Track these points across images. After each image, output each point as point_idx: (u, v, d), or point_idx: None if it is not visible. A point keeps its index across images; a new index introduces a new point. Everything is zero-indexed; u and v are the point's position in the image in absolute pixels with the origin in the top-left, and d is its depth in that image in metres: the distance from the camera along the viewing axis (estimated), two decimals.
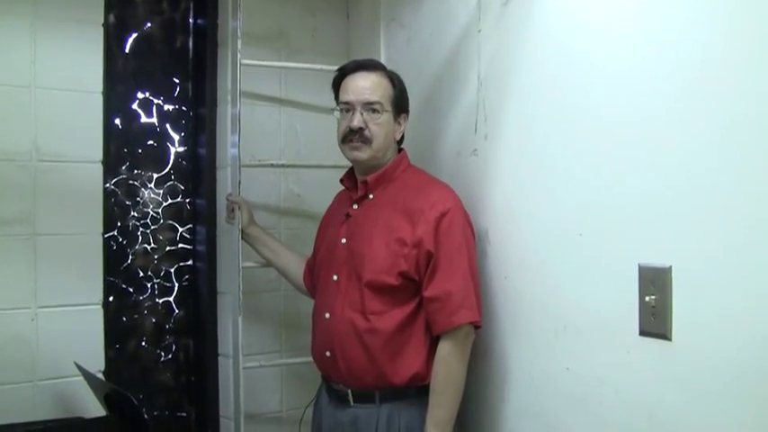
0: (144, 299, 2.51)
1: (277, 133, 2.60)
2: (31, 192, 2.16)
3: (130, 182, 2.49)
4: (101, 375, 2.23)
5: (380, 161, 2.00)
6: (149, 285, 2.52)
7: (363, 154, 1.96)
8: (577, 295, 1.68)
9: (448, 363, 1.85)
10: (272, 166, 2.54)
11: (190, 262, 2.59)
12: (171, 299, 2.56)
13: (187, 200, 2.59)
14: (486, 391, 1.97)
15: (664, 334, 1.45)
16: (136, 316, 2.50)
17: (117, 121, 2.46)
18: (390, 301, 1.88)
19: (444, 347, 1.86)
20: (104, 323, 2.28)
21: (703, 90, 1.38)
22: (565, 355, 1.72)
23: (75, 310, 2.22)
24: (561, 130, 1.73)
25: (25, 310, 2.15)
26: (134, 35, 2.49)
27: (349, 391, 1.93)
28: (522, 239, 1.86)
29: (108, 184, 2.41)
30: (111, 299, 2.41)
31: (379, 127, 1.95)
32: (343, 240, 2.00)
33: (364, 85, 1.96)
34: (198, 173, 2.58)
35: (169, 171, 2.56)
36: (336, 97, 2.05)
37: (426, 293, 1.86)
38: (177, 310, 2.57)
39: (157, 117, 2.54)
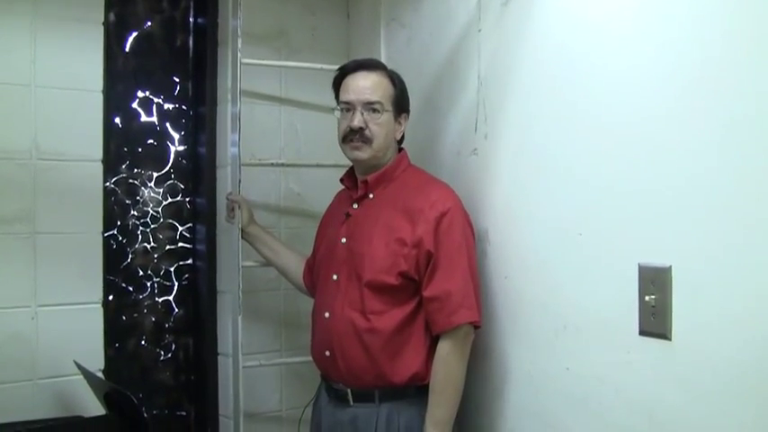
0: (144, 298, 2.51)
1: (277, 132, 2.60)
2: (31, 190, 2.16)
3: (130, 181, 2.49)
4: (100, 374, 2.23)
5: (381, 161, 2.00)
6: (149, 284, 2.52)
7: (364, 154, 1.96)
8: (577, 295, 1.68)
9: (447, 362, 1.86)
10: (272, 165, 2.54)
11: (190, 261, 2.59)
12: (171, 298, 2.56)
13: (187, 199, 2.59)
14: (486, 391, 1.97)
15: (663, 334, 1.45)
16: (135, 315, 2.50)
17: (117, 120, 2.46)
18: (390, 301, 1.89)
19: (444, 347, 1.86)
20: (104, 322, 2.28)
21: (703, 90, 1.38)
22: (565, 355, 1.72)
23: (75, 308, 2.22)
24: (561, 129, 1.73)
25: (25, 309, 2.15)
26: (134, 34, 2.49)
27: (348, 391, 1.93)
28: (522, 239, 1.86)
29: (108, 183, 2.41)
30: (110, 298, 2.41)
31: (380, 127, 1.95)
32: (343, 240, 2.00)
33: (365, 85, 1.96)
34: (198, 172, 2.58)
35: (169, 170, 2.56)
36: (337, 97, 2.04)
37: (426, 293, 1.86)
38: (177, 309, 2.57)
39: (157, 116, 2.54)
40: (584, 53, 1.66)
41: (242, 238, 2.27)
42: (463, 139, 2.09)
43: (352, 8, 2.72)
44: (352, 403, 1.92)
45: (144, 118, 2.51)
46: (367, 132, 1.94)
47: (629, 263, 1.52)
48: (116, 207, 2.45)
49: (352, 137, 1.96)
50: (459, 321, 1.83)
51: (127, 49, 2.48)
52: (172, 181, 2.56)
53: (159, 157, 2.54)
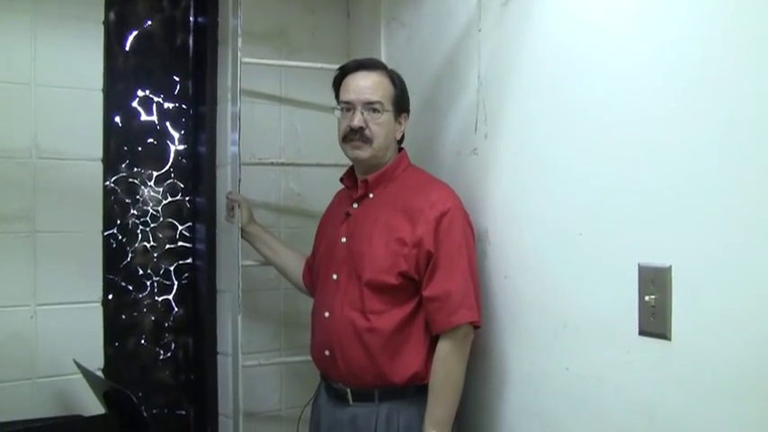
0: (143, 297, 2.51)
1: (277, 131, 2.60)
2: (30, 189, 2.16)
3: (130, 180, 2.49)
4: (100, 373, 2.23)
5: (381, 160, 2.00)
6: (149, 283, 2.52)
7: (364, 153, 1.96)
8: (577, 295, 1.68)
9: (447, 362, 1.86)
10: (271, 164, 2.54)
11: (189, 260, 2.59)
12: (170, 297, 2.56)
13: (187, 198, 2.59)
14: (486, 391, 1.97)
15: (663, 334, 1.45)
16: (135, 314, 2.50)
17: (117, 119, 2.46)
18: (390, 301, 1.89)
19: (443, 347, 1.86)
20: (104, 321, 2.28)
21: (703, 90, 1.38)
22: (564, 355, 1.72)
23: (75, 307, 2.22)
24: (561, 129, 1.73)
25: (24, 308, 2.15)
26: (134, 33, 2.49)
27: (348, 390, 1.93)
28: (522, 239, 1.86)
29: (108, 182, 2.41)
30: (110, 297, 2.41)
31: (380, 126, 1.95)
32: (343, 239, 2.00)
33: (365, 85, 1.96)
34: (198, 171, 2.58)
35: (169, 169, 2.56)
36: (337, 96, 2.04)
37: (426, 293, 1.86)
38: (176, 308, 2.57)
39: (157, 115, 2.54)
40: (584, 53, 1.66)
41: (242, 237, 2.27)
42: (463, 139, 2.09)
43: (353, 7, 2.72)
44: (351, 403, 1.92)
45: (144, 117, 2.51)
46: (367, 132, 1.94)
47: (629, 263, 1.52)
48: (116, 206, 2.45)
49: (352, 136, 1.96)
50: (459, 321, 1.83)
51: (127, 48, 2.48)
52: (172, 180, 2.56)
53: (159, 156, 2.54)
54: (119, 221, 2.46)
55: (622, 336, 1.54)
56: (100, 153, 2.28)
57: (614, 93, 1.58)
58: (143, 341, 2.51)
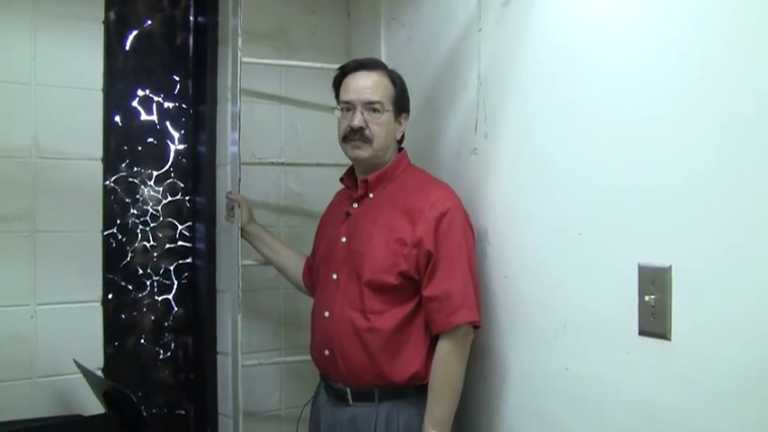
0: (143, 296, 2.51)
1: (277, 131, 2.60)
2: (30, 189, 2.16)
3: (130, 179, 2.49)
4: (100, 373, 2.23)
5: (381, 160, 2.00)
6: (149, 283, 2.52)
7: (364, 153, 1.96)
8: (577, 295, 1.68)
9: (447, 362, 1.86)
10: (271, 164, 2.54)
11: (189, 260, 2.59)
12: (170, 296, 2.56)
13: (187, 197, 2.59)
14: (485, 391, 1.97)
15: (663, 334, 1.45)
16: (135, 313, 2.50)
17: (117, 119, 2.46)
18: (390, 301, 1.89)
19: (443, 347, 1.86)
20: (103, 320, 2.28)
21: (703, 90, 1.38)
22: (564, 355, 1.72)
23: (75, 307, 2.22)
24: (561, 129, 1.73)
25: (24, 308, 2.15)
26: (134, 32, 2.49)
27: (348, 390, 1.93)
28: (522, 239, 1.86)
29: (108, 182, 2.41)
30: (110, 296, 2.41)
31: (380, 126, 1.95)
32: (343, 239, 2.00)
33: (365, 85, 1.96)
34: (198, 171, 2.58)
35: (169, 169, 2.56)
36: (337, 96, 2.04)
37: (426, 293, 1.86)
38: (176, 308, 2.57)
39: (157, 114, 2.54)
40: (584, 53, 1.66)
41: (241, 236, 2.27)
42: (463, 139, 2.09)
43: (353, 7, 2.72)
44: (351, 402, 1.92)
45: (144, 116, 2.51)
46: (367, 132, 1.94)
47: (629, 263, 1.52)
48: (116, 206, 2.45)
49: (352, 136, 1.96)
50: (459, 321, 1.83)
51: (127, 48, 2.48)
52: (171, 180, 2.56)
53: (159, 155, 2.54)
54: (119, 221, 2.46)
55: (622, 336, 1.54)
56: (100, 153, 2.28)
57: (614, 93, 1.58)
58: (143, 341, 2.51)
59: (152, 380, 2.52)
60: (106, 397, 1.99)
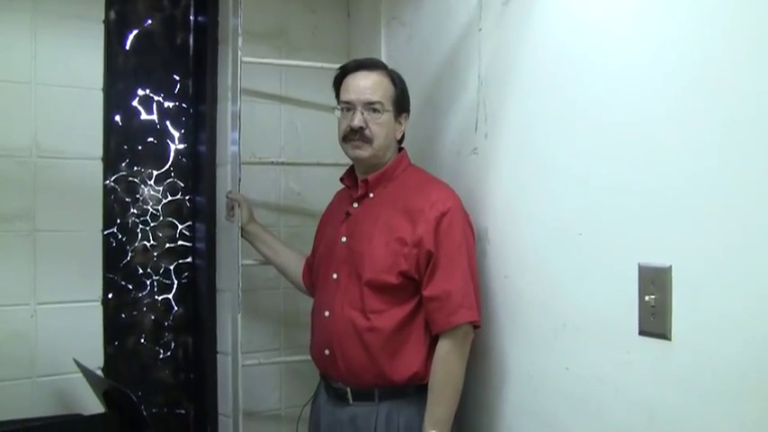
0: (143, 296, 2.51)
1: (277, 131, 2.60)
2: (30, 188, 2.16)
3: (130, 179, 2.49)
4: (100, 372, 2.23)
5: (381, 160, 2.00)
6: (149, 282, 2.52)
7: (364, 152, 1.96)
8: (577, 295, 1.68)
9: (447, 362, 1.86)
10: (272, 163, 2.53)
11: (189, 259, 2.59)
12: (170, 296, 2.56)
13: (187, 197, 2.59)
14: (485, 391, 1.97)
15: (663, 334, 1.45)
16: (135, 313, 2.49)
17: (117, 118, 2.46)
18: (390, 300, 1.89)
19: (443, 346, 1.86)
20: (103, 320, 2.28)
21: (703, 90, 1.38)
22: (564, 355, 1.72)
23: (75, 306, 2.22)
24: (561, 129, 1.73)
25: (24, 307, 2.15)
26: (135, 32, 2.49)
27: (348, 390, 1.93)
28: (522, 239, 1.86)
29: (108, 181, 2.41)
30: (110, 296, 2.41)
31: (380, 127, 1.95)
32: (344, 239, 2.00)
33: (365, 85, 1.96)
34: (198, 170, 2.58)
35: (169, 168, 2.56)
36: (338, 96, 2.04)
37: (426, 293, 1.86)
38: (176, 308, 2.57)
39: (158, 114, 2.54)
40: (584, 53, 1.66)
41: (241, 236, 2.27)
42: (463, 139, 2.09)
43: (353, 6, 2.72)
44: (351, 402, 1.92)
45: (144, 116, 2.51)
46: (367, 132, 1.94)
47: (629, 263, 1.52)
48: (116, 205, 2.45)
49: (352, 136, 1.96)
50: (459, 321, 1.83)
51: (127, 47, 2.48)
52: (172, 179, 2.56)
53: (159, 155, 2.54)
54: (119, 220, 2.46)
55: (622, 336, 1.54)
56: (100, 152, 2.28)
57: (614, 92, 1.58)
58: (143, 340, 2.51)
59: (152, 379, 2.52)
60: (106, 396, 1.99)
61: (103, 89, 2.28)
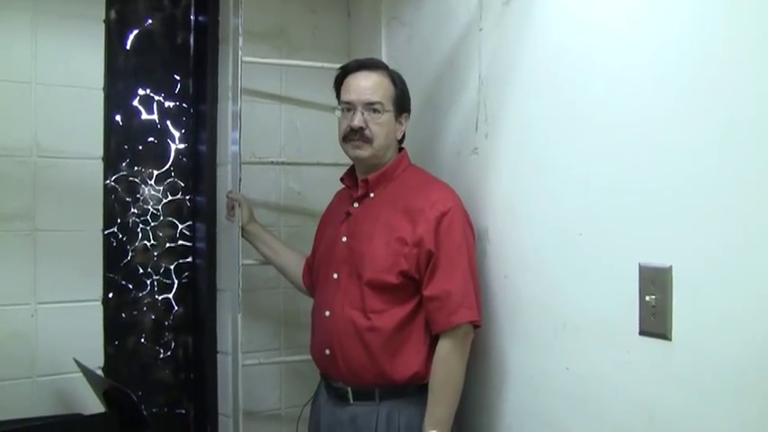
0: (143, 296, 2.51)
1: (277, 131, 2.60)
2: (31, 188, 2.16)
3: (131, 178, 2.49)
4: (100, 372, 2.23)
5: (381, 160, 2.00)
6: (149, 282, 2.52)
7: (364, 152, 1.96)
8: (577, 295, 1.68)
9: (447, 362, 1.86)
10: (272, 163, 2.54)
11: (189, 259, 2.59)
12: (170, 296, 2.56)
13: (187, 197, 2.59)
14: (485, 391, 1.97)
15: (664, 334, 1.45)
16: (135, 313, 2.50)
17: (117, 118, 2.46)
18: (391, 300, 1.89)
19: (444, 346, 1.86)
20: (104, 320, 2.28)
21: (704, 89, 1.38)
22: (564, 355, 1.71)
23: (75, 306, 2.22)
24: (561, 129, 1.73)
25: (24, 307, 2.15)
26: (135, 31, 2.49)
27: (349, 389, 1.93)
28: (522, 239, 1.86)
29: (108, 181, 2.41)
30: (110, 295, 2.41)
31: (380, 127, 1.95)
32: (344, 239, 2.00)
33: (366, 85, 1.96)
34: (198, 170, 2.58)
35: (169, 168, 2.56)
36: (338, 96, 2.04)
37: (426, 292, 1.86)
38: (177, 307, 2.57)
39: (158, 114, 2.54)
40: (584, 52, 1.66)
41: (242, 236, 2.27)
42: (464, 139, 2.09)
43: (353, 6, 2.72)
44: (352, 402, 1.92)
45: (144, 116, 2.51)
46: (367, 132, 1.95)
47: (630, 263, 1.52)
48: (116, 205, 2.45)
49: (352, 136, 1.96)
50: (459, 321, 1.83)
51: (128, 47, 2.48)
52: (172, 179, 2.56)
53: (159, 154, 2.54)
54: (119, 220, 2.46)
55: (623, 336, 1.54)
56: (100, 152, 2.28)
57: (615, 92, 1.58)
58: (143, 340, 2.51)
59: (152, 379, 2.52)
60: (106, 396, 1.99)
61: (104, 89, 2.28)
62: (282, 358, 2.55)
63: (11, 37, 2.14)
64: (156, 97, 2.53)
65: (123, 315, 2.47)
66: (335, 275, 1.99)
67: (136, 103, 2.50)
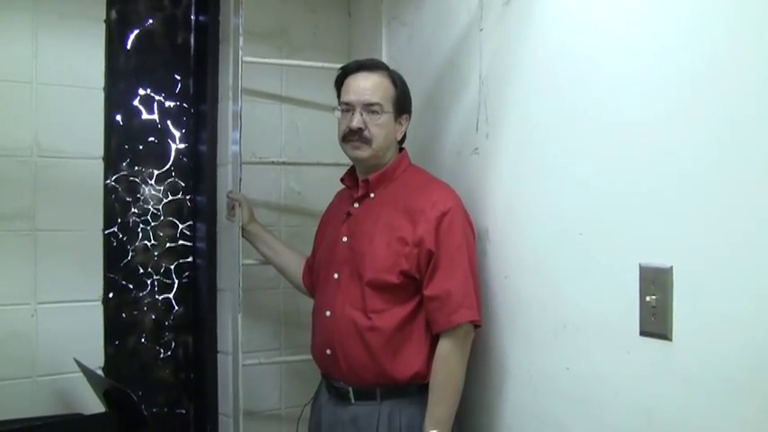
0: (144, 295, 2.51)
1: (278, 130, 2.60)
2: (31, 187, 2.16)
3: (131, 178, 2.49)
4: (100, 372, 2.23)
5: (381, 161, 2.00)
6: (149, 282, 2.52)
7: (364, 153, 1.96)
8: (577, 295, 1.68)
9: (447, 361, 1.86)
10: (272, 163, 2.54)
11: (190, 259, 2.59)
12: (171, 296, 2.56)
13: (187, 197, 2.59)
14: (486, 391, 1.97)
15: (664, 334, 1.45)
16: (135, 312, 2.50)
17: (118, 118, 2.46)
18: (391, 300, 1.89)
19: (444, 346, 1.86)
20: (104, 320, 2.28)
21: (703, 89, 1.38)
22: (564, 355, 1.71)
23: (75, 306, 2.22)
24: (562, 129, 1.73)
25: (25, 306, 2.15)
26: (136, 31, 2.49)
27: (350, 389, 1.93)
28: (522, 239, 1.86)
29: (108, 181, 2.41)
30: (110, 295, 2.41)
31: (379, 128, 1.95)
32: (344, 239, 2.00)
33: (365, 86, 1.96)
34: (198, 170, 2.58)
35: (170, 168, 2.56)
36: (339, 96, 2.04)
37: (426, 292, 1.86)
38: (177, 307, 2.57)
39: (158, 113, 2.54)
40: (585, 53, 1.66)
41: (242, 236, 2.27)
42: (464, 139, 2.09)
43: (354, 6, 2.72)
44: (353, 401, 1.92)
45: (145, 115, 2.51)
46: (366, 133, 1.95)
47: (630, 263, 1.52)
48: (116, 204, 2.45)
49: (351, 137, 1.96)
50: (460, 321, 1.83)
51: (128, 47, 2.48)
52: (172, 179, 2.56)
53: (160, 154, 2.54)
54: (119, 220, 2.46)
55: (623, 336, 1.54)
56: (101, 151, 2.28)
57: (615, 93, 1.57)
58: (143, 340, 2.51)
59: (152, 379, 2.52)
60: (106, 396, 1.99)
61: (104, 88, 2.28)
62: (283, 358, 2.55)
63: (11, 37, 2.14)
64: (157, 97, 2.53)
65: (123, 315, 2.47)
66: (336, 275, 1.99)
67: (136, 102, 2.50)
